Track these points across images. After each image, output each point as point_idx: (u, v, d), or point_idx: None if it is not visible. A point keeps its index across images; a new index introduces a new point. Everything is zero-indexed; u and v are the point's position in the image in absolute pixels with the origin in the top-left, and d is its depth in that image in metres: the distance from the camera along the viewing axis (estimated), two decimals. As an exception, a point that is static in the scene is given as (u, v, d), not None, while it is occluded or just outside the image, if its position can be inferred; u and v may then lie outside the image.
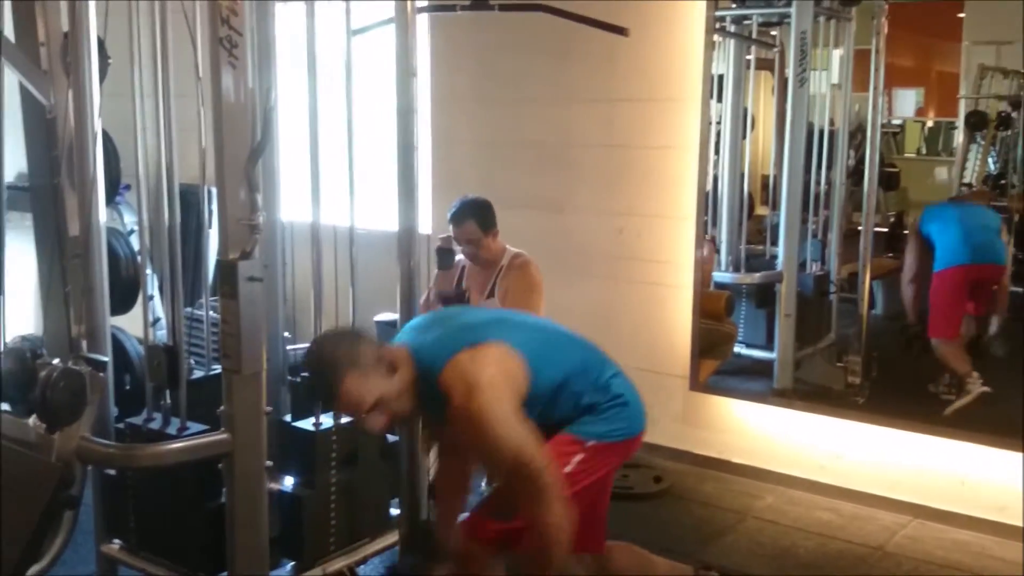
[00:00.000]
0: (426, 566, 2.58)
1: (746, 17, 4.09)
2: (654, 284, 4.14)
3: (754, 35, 4.12)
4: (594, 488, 2.41)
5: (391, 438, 2.80)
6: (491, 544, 2.42)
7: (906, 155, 5.53)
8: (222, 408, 2.28)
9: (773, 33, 4.22)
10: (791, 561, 3.34)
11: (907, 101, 5.89)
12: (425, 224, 3.83)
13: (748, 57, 4.11)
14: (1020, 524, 3.49)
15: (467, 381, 2.20)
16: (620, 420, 2.41)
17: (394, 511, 2.81)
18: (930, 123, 5.60)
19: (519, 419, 2.21)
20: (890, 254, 4.81)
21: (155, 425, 2.55)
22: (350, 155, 2.69)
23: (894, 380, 4.23)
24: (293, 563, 2.61)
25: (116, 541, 2.70)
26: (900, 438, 3.80)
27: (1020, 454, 3.53)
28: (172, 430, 2.50)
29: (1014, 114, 4.75)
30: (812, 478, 3.90)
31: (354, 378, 2.21)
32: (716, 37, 4.07)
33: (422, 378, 2.29)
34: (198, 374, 2.80)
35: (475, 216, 3.61)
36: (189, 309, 3.09)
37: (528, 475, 2.19)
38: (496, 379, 2.22)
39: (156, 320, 3.38)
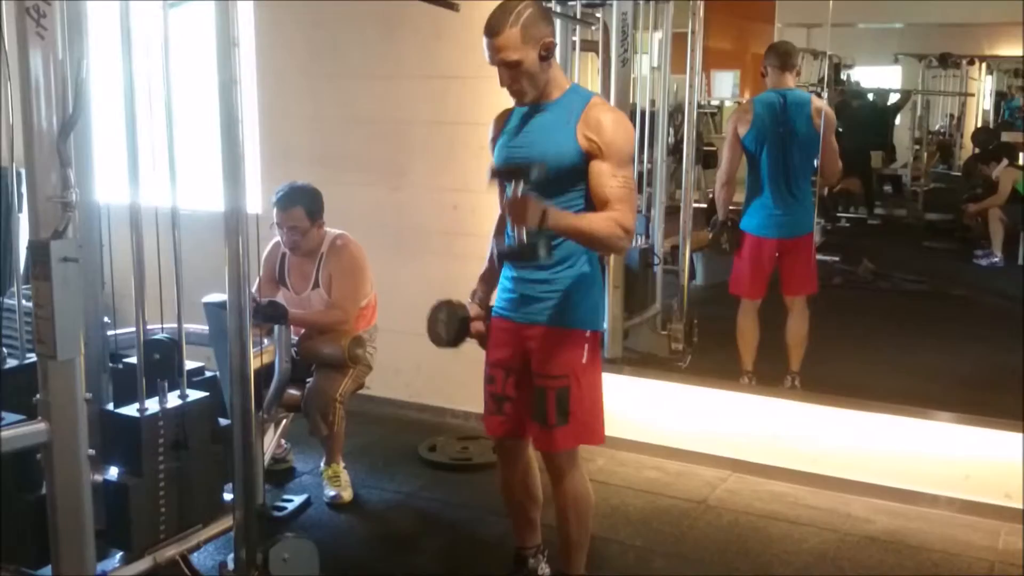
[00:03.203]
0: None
1: (571, -3, 4.18)
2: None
3: (578, 16, 4.22)
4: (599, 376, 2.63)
5: (223, 422, 2.75)
6: None
7: (723, 135, 5.82)
8: (38, 396, 2.18)
9: (598, 15, 4.33)
10: (621, 519, 3.50)
11: (725, 83, 6.20)
12: (254, 203, 3.74)
13: (574, 38, 4.20)
14: (832, 474, 3.75)
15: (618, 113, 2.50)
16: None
17: (228, 496, 2.77)
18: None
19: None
20: (708, 228, 5.08)
21: (-34, 417, 2.40)
22: (170, 132, 2.61)
23: (713, 345, 4.49)
24: (122, 553, 2.53)
25: (-73, 542, 2.54)
26: (719, 398, 4.04)
27: (829, 408, 3.82)
28: (-15, 422, 2.37)
29: (823, 93, 5.09)
30: (640, 440, 4.06)
31: (522, 32, 2.34)
32: (543, 17, 4.15)
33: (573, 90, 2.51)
34: (12, 363, 2.66)
35: (304, 203, 3.52)
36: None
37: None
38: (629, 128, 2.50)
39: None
